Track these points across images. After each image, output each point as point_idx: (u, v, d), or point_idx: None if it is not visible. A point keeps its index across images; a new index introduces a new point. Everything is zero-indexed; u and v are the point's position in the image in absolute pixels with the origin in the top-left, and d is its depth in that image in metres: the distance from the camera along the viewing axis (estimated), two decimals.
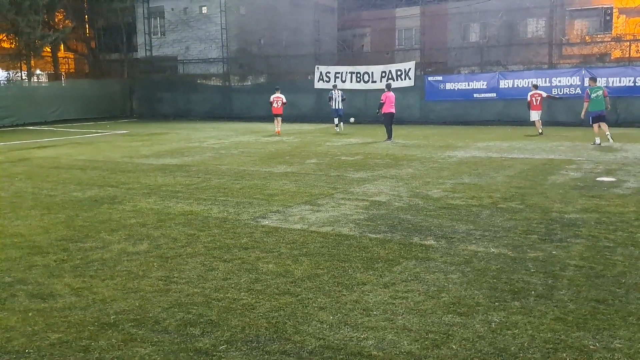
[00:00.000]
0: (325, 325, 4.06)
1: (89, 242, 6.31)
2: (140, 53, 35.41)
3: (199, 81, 31.71)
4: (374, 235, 6.45)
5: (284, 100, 20.84)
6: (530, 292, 4.65)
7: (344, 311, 4.31)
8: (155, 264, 5.50)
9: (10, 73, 34.73)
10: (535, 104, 18.70)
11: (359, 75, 26.32)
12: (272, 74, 30.44)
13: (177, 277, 5.10)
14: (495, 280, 4.92)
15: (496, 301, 4.46)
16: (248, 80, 31.34)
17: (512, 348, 3.69)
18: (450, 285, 4.82)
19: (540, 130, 18.39)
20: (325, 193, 9.06)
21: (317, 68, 27.47)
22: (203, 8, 33.39)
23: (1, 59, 32.80)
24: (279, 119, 20.90)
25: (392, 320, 4.13)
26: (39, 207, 8.15)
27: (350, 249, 5.92)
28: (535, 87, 19.24)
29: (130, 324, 4.10)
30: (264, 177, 10.77)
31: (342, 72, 26.80)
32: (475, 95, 23.79)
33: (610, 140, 14.70)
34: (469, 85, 24.01)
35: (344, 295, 4.64)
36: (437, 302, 4.47)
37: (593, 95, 15.20)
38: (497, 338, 3.83)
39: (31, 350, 3.69)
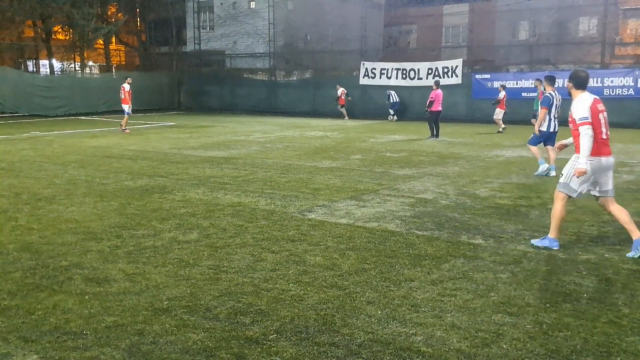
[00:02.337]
0: (373, 320, 4.07)
1: (141, 229, 6.47)
2: (189, 47, 36.08)
3: (245, 75, 32.10)
4: (420, 233, 6.40)
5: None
6: (582, 294, 4.54)
7: (392, 306, 4.31)
8: (205, 253, 5.61)
9: (65, 64, 35.93)
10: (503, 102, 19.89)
11: (404, 72, 26.13)
12: (317, 70, 30.52)
13: (226, 267, 5.19)
14: (545, 282, 4.83)
15: (547, 302, 4.38)
16: (293, 76, 31.53)
17: (565, 350, 3.61)
18: (499, 285, 4.75)
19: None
20: (371, 189, 9.04)
21: (363, 64, 27.41)
22: (252, 3, 33.74)
23: (56, 50, 33.96)
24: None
25: (440, 318, 4.10)
26: (93, 195, 8.41)
27: (397, 245, 5.90)
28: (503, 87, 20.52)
29: (182, 310, 4.19)
30: (309, 171, 10.83)
31: (387, 69, 26.66)
32: (523, 94, 23.28)
33: None
34: (517, 83, 23.52)
35: (392, 290, 4.64)
36: (487, 301, 4.41)
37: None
38: (549, 339, 3.76)
39: (88, 332, 3.82)
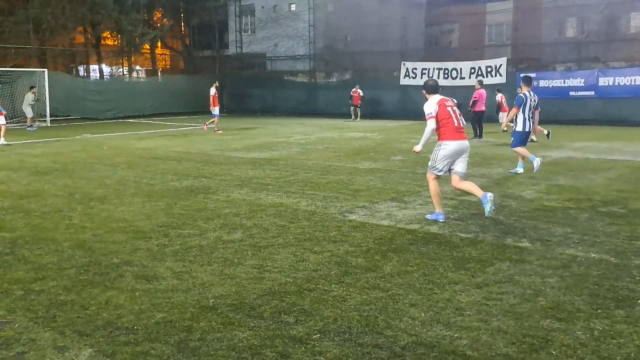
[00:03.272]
0: (417, 322, 4.06)
1: (187, 229, 6.62)
2: (231, 50, 36.62)
3: (285, 78, 32.37)
4: (464, 235, 6.34)
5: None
6: (635, 300, 4.41)
7: (435, 309, 4.29)
8: (249, 252, 5.70)
9: (113, 69, 37.01)
10: (504, 105, 19.05)
11: (446, 71, 25.85)
12: (357, 71, 30.52)
13: (270, 266, 5.26)
14: (596, 287, 4.71)
15: (598, 308, 4.27)
16: (333, 77, 31.62)
17: (618, 358, 3.52)
18: (547, 289, 4.66)
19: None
20: (412, 190, 8.99)
21: (403, 64, 27.25)
22: (292, 5, 33.98)
23: (105, 56, 35.02)
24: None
25: (486, 322, 4.06)
26: (141, 195, 8.65)
27: (440, 248, 5.86)
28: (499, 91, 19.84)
29: (228, 308, 4.28)
30: (349, 172, 10.85)
31: (429, 68, 26.44)
32: (571, 93, 22.72)
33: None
34: (564, 82, 22.96)
35: (436, 293, 4.61)
36: (534, 305, 4.34)
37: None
38: (601, 346, 3.67)
39: (139, 327, 3.94)
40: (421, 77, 25.49)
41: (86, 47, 34.59)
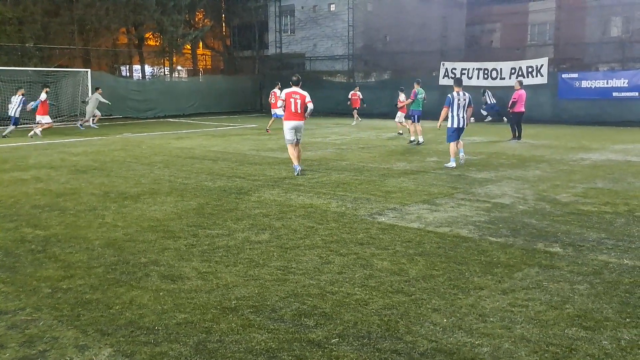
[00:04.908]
0: (438, 328, 3.98)
1: (216, 229, 6.68)
2: (271, 50, 36.90)
3: (324, 78, 32.37)
4: (494, 239, 6.20)
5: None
6: None
7: (458, 315, 4.20)
8: (275, 253, 5.71)
9: (155, 69, 37.79)
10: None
11: (486, 71, 25.40)
12: (396, 71, 30.29)
13: (294, 268, 5.26)
14: (627, 295, 4.53)
15: (627, 317, 4.11)
16: (372, 77, 31.47)
17: None
18: (576, 297, 4.51)
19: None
20: (445, 193, 8.86)
21: (443, 64, 26.91)
22: (332, 6, 34.00)
23: (147, 56, 35.76)
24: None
25: (509, 329, 3.95)
26: (174, 194, 8.79)
27: (468, 252, 5.74)
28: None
29: (249, 310, 4.29)
30: (382, 173, 10.77)
31: (468, 69, 26.03)
32: (614, 93, 22.00)
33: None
34: (607, 83, 22.24)
35: (460, 298, 4.52)
36: (561, 313, 4.20)
37: (419, 96, 16.05)
38: (627, 357, 3.52)
39: (160, 328, 3.99)
40: (461, 78, 25.12)
41: (129, 48, 35.41)
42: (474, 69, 25.82)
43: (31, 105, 19.20)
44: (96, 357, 3.57)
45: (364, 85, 30.76)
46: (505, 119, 22.79)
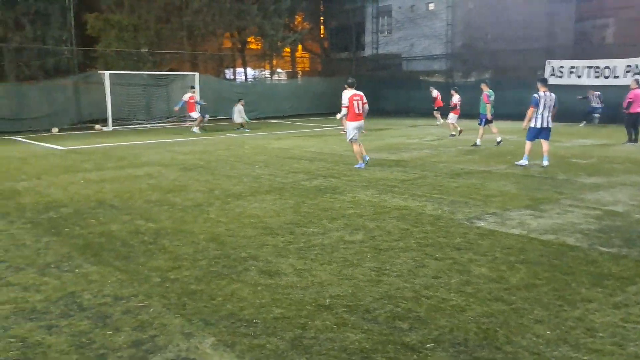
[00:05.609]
0: (541, 340, 3.80)
1: (312, 227, 6.80)
2: (367, 51, 36.95)
3: (421, 78, 31.92)
4: (605, 249, 5.82)
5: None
6: None
7: (564, 328, 3.99)
8: (369, 254, 5.72)
9: (257, 72, 39.05)
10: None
11: (597, 70, 23.86)
12: (497, 70, 29.26)
13: (388, 270, 5.23)
14: None
15: None
16: (471, 76, 30.61)
17: None
18: None
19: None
20: (550, 198, 8.43)
21: (548, 62, 25.63)
22: (430, 5, 33.46)
23: (249, 59, 37.04)
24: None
25: (621, 346, 3.70)
26: (273, 193, 9.04)
27: (575, 262, 5.43)
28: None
29: (343, 309, 4.33)
30: (482, 176, 10.44)
31: (577, 67, 24.59)
32: None
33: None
34: None
35: (565, 310, 4.29)
36: None
37: (491, 98, 15.59)
38: None
39: (258, 321, 4.12)
40: (569, 76, 23.79)
41: (232, 52, 36.83)
42: (583, 67, 24.36)
43: (178, 105, 22.21)
44: (200, 345, 3.76)
45: (463, 85, 29.98)
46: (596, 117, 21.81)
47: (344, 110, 11.75)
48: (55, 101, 23.86)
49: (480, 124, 15.83)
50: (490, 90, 15.76)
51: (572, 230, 6.56)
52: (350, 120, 11.67)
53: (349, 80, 11.88)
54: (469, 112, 27.64)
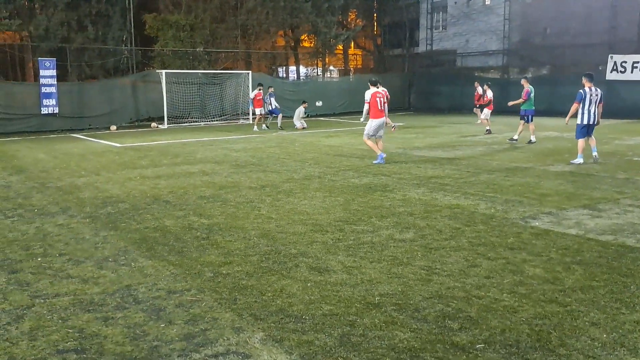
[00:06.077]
0: (596, 343, 3.69)
1: (362, 225, 6.80)
2: (421, 47, 36.50)
3: (476, 74, 31.29)
4: None
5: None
6: None
7: (621, 331, 3.86)
8: (419, 253, 5.68)
9: (309, 69, 39.26)
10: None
11: None
12: (555, 66, 28.35)
13: (439, 269, 5.18)
14: None
15: None
16: (529, 72, 29.78)
17: None
18: None
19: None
20: (609, 197, 8.13)
21: (611, 57, 24.64)
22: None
23: (302, 57, 37.27)
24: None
25: None
26: (323, 190, 9.09)
27: (634, 263, 5.23)
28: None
29: (392, 307, 4.32)
30: (537, 175, 10.16)
31: None
32: None
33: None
34: None
35: (623, 313, 4.14)
36: None
37: (532, 95, 15.60)
38: None
39: (307, 317, 4.17)
40: (631, 72, 22.80)
41: (285, 50, 37.16)
42: None
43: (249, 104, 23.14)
44: (249, 339, 3.84)
45: (519, 81, 29.23)
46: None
47: (366, 107, 12.08)
48: (114, 100, 24.75)
49: (527, 121, 15.46)
50: (531, 87, 15.42)
51: (632, 231, 6.32)
52: (373, 118, 11.95)
53: (373, 79, 12.37)
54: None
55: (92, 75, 27.58)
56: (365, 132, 12.21)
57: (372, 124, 12.01)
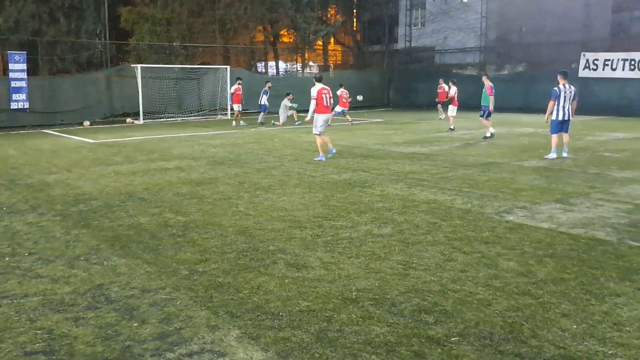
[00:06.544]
0: (567, 334, 3.78)
1: (340, 221, 6.83)
2: (400, 44, 36.67)
3: (454, 71, 31.53)
4: (635, 243, 5.72)
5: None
6: None
7: (590, 322, 3.95)
8: (396, 248, 5.73)
9: (288, 65, 39.15)
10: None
11: (633, 62, 23.23)
12: (531, 63, 28.73)
13: (415, 263, 5.24)
14: None
15: None
16: (505, 70, 30.13)
17: None
18: None
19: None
20: (581, 192, 8.29)
21: (583, 55, 25.05)
22: None
23: (281, 53, 37.14)
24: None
25: None
26: (302, 186, 9.09)
27: (604, 256, 5.35)
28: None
29: (369, 302, 4.36)
30: (512, 170, 10.31)
31: (612, 59, 24.00)
32: None
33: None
34: None
35: (592, 305, 4.24)
36: None
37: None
38: None
39: (284, 314, 4.17)
40: (603, 69, 23.20)
41: (264, 45, 37.00)
42: (619, 59, 23.73)
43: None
44: (225, 337, 3.83)
45: (496, 78, 29.54)
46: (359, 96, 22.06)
47: (313, 103, 12.06)
48: (88, 94, 24.34)
49: (482, 116, 15.63)
50: (492, 83, 15.77)
51: (602, 224, 6.46)
52: (319, 113, 12.08)
53: (317, 75, 12.74)
54: (503, 105, 27.27)
55: (65, 69, 27.10)
56: (315, 130, 12.24)
57: (319, 119, 12.15)
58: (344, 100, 21.73)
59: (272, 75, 36.12)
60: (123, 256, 5.61)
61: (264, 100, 22.78)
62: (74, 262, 5.46)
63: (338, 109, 21.41)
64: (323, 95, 12.05)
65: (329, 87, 12.60)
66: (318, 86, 12.13)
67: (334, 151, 12.50)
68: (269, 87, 22.79)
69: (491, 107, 15.71)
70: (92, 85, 24.67)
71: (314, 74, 12.86)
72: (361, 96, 23.83)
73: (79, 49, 27.09)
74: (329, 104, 12.18)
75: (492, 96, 15.69)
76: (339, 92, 21.53)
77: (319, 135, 12.20)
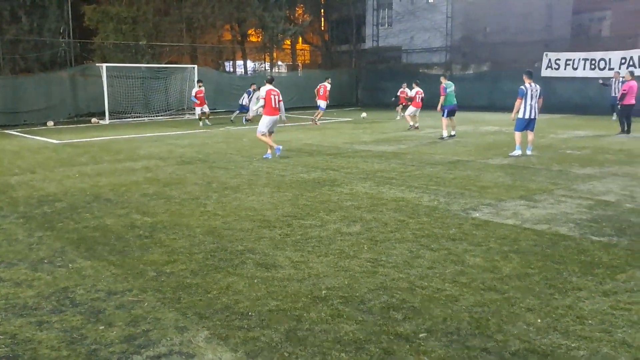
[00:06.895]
0: (531, 328, 3.86)
1: (310, 220, 6.84)
2: (368, 44, 36.90)
3: (421, 70, 31.87)
4: (596, 238, 5.88)
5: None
6: None
7: (554, 316, 4.05)
8: (365, 245, 5.77)
9: (257, 64, 38.96)
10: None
11: (593, 62, 23.88)
12: (495, 62, 29.27)
13: (384, 261, 5.29)
14: None
15: None
16: (470, 69, 30.61)
17: None
18: None
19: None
20: (544, 189, 8.49)
21: (546, 55, 25.63)
22: None
23: (250, 52, 36.93)
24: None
25: (609, 333, 3.76)
26: (271, 185, 9.08)
27: (567, 251, 5.49)
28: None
29: (338, 300, 4.38)
30: (478, 168, 10.49)
31: (573, 59, 24.61)
32: None
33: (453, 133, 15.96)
34: None
35: (556, 299, 4.35)
36: None
37: (448, 90, 15.83)
38: None
39: (253, 314, 4.16)
40: (565, 69, 23.78)
41: (232, 44, 36.75)
42: (580, 59, 24.35)
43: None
44: (194, 339, 3.80)
45: (461, 77, 29.99)
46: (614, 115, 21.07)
47: (260, 102, 12.24)
48: (52, 94, 23.80)
49: (443, 115, 15.80)
50: (448, 82, 16.07)
51: (565, 220, 6.63)
52: (267, 115, 12.21)
53: (268, 77, 12.85)
54: (470, 104, 27.71)
55: (27, 68, 26.41)
56: (259, 129, 12.38)
57: (265, 120, 12.26)
58: (321, 94, 21.73)
59: (240, 75, 35.92)
60: (88, 258, 5.51)
61: (245, 100, 22.54)
62: (38, 265, 5.33)
63: (323, 104, 21.51)
64: (272, 97, 12.10)
65: (289, 88, 12.71)
66: (268, 87, 12.22)
67: (281, 148, 12.35)
68: (253, 90, 22.37)
69: (439, 108, 15.82)
70: (56, 85, 24.13)
71: (269, 75, 13.72)
72: (365, 114, 24.03)
73: (42, 47, 26.43)
74: (277, 106, 12.20)
75: (443, 96, 15.78)
76: (325, 84, 21.65)
77: (262, 135, 12.29)
